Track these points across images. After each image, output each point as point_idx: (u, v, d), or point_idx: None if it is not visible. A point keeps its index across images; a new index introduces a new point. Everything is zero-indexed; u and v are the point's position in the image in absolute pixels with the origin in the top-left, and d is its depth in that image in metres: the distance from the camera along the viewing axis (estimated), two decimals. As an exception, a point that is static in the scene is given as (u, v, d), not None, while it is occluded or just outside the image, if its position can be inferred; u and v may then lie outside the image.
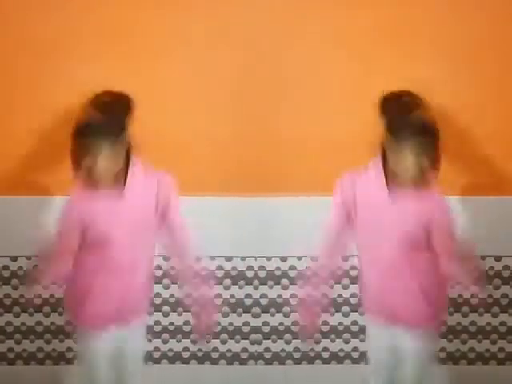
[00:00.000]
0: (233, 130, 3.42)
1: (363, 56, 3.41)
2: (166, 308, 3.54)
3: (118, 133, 2.71)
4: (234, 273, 3.54)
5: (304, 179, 3.47)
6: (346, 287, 3.50)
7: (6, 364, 3.59)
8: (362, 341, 3.47)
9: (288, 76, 3.44)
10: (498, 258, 3.50)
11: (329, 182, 3.37)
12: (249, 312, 3.58)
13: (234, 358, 3.60)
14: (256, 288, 3.55)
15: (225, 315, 3.57)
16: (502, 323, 3.54)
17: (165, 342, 3.57)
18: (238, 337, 3.59)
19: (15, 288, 3.53)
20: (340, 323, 3.53)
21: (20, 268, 3.51)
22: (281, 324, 3.58)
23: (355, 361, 3.53)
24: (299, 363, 3.60)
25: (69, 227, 2.82)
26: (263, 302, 3.56)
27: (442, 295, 2.96)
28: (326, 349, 3.59)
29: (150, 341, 3.51)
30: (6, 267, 3.51)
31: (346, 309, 3.50)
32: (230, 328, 3.58)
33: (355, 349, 3.53)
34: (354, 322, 3.54)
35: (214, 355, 3.60)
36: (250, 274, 3.53)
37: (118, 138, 2.71)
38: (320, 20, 3.41)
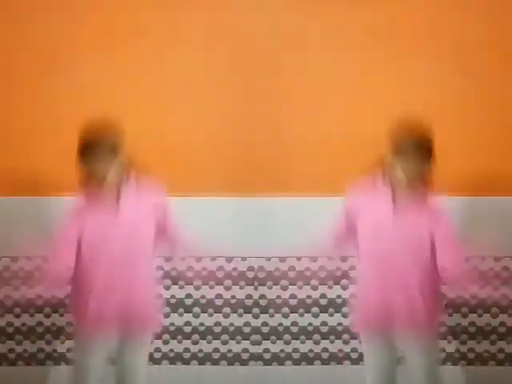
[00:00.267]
0: (233, 131, 3.43)
1: (363, 56, 3.42)
2: (166, 309, 3.54)
3: (112, 151, 2.82)
4: (234, 273, 3.56)
5: (304, 179, 3.48)
6: (345, 288, 3.50)
7: (7, 365, 3.60)
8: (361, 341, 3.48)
9: (288, 77, 3.44)
10: (497, 259, 3.50)
11: (329, 182, 3.39)
12: (249, 313, 3.59)
13: (234, 359, 3.61)
14: (256, 289, 3.56)
15: (226, 316, 3.58)
16: (502, 324, 3.54)
17: (165, 342, 3.57)
18: (238, 337, 3.60)
19: (16, 289, 3.54)
20: (339, 324, 3.53)
21: (21, 269, 3.52)
22: (280, 325, 3.58)
23: (354, 361, 3.53)
24: (298, 364, 3.61)
25: (68, 235, 2.88)
26: (262, 302, 3.57)
27: (439, 298, 2.98)
28: (325, 349, 3.59)
29: (150, 342, 3.51)
30: (6, 268, 3.52)
31: (345, 310, 3.50)
32: (231, 329, 3.59)
33: (354, 349, 3.53)
34: (354, 323, 3.55)
35: (215, 356, 3.61)
36: (250, 274, 3.54)
37: (114, 155, 2.82)
38: (320, 20, 3.41)
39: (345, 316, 3.50)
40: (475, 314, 3.54)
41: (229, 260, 3.53)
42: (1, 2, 3.44)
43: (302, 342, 3.58)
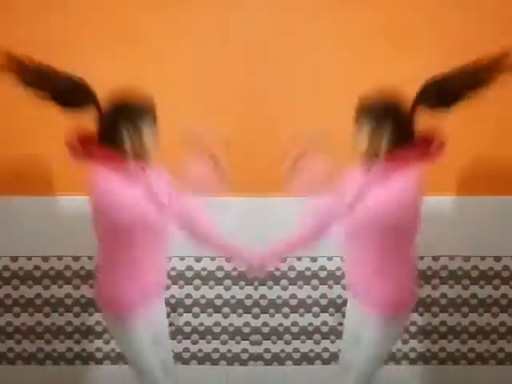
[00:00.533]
0: (232, 130, 3.43)
1: (363, 56, 3.43)
2: (166, 309, 3.53)
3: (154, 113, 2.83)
4: (234, 273, 3.55)
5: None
6: (345, 288, 3.50)
7: (7, 364, 3.60)
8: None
9: (288, 76, 3.45)
10: (497, 259, 3.50)
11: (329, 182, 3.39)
12: (249, 313, 3.58)
13: (234, 359, 3.60)
14: (256, 289, 3.56)
15: (225, 316, 3.58)
16: (502, 323, 3.55)
17: (165, 342, 3.57)
18: (238, 338, 3.60)
19: (16, 288, 3.54)
20: (339, 324, 3.53)
21: (20, 268, 3.52)
22: (280, 325, 3.58)
23: (355, 361, 3.53)
24: (299, 364, 3.60)
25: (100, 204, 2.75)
26: (263, 302, 3.57)
27: (406, 277, 2.82)
28: (325, 349, 3.59)
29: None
30: (6, 267, 3.52)
31: (345, 309, 3.49)
32: (231, 329, 3.59)
33: (355, 349, 3.53)
34: (354, 323, 3.54)
35: (215, 356, 3.61)
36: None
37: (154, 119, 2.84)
38: (320, 20, 3.42)
39: (344, 316, 3.49)
40: (475, 314, 3.54)
41: (228, 260, 3.53)
42: (1, 2, 3.44)
43: (303, 342, 3.58)
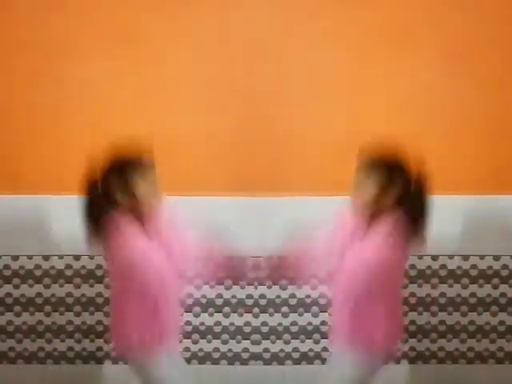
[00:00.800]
0: (233, 130, 3.43)
1: (363, 56, 3.43)
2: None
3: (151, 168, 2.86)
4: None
5: (304, 179, 3.48)
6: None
7: (7, 363, 3.60)
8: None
9: (287, 76, 3.45)
10: (496, 258, 3.51)
11: (329, 182, 3.40)
12: (249, 312, 3.59)
13: (234, 358, 3.61)
14: (256, 288, 3.56)
15: (226, 315, 3.58)
16: (501, 322, 3.55)
17: (165, 342, 3.57)
18: (239, 337, 3.60)
19: (16, 287, 3.54)
20: (339, 323, 3.53)
21: (21, 267, 3.53)
22: (280, 324, 3.58)
23: (354, 360, 3.53)
24: (298, 363, 3.60)
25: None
26: (262, 302, 3.57)
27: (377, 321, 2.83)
28: (325, 349, 3.59)
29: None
30: (7, 266, 3.53)
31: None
32: (231, 328, 3.59)
33: (354, 348, 3.53)
34: (354, 322, 3.55)
35: (215, 355, 3.61)
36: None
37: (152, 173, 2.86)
38: (320, 20, 3.42)
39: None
40: (475, 313, 3.55)
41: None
42: (1, 2, 3.44)
43: (302, 342, 3.59)
